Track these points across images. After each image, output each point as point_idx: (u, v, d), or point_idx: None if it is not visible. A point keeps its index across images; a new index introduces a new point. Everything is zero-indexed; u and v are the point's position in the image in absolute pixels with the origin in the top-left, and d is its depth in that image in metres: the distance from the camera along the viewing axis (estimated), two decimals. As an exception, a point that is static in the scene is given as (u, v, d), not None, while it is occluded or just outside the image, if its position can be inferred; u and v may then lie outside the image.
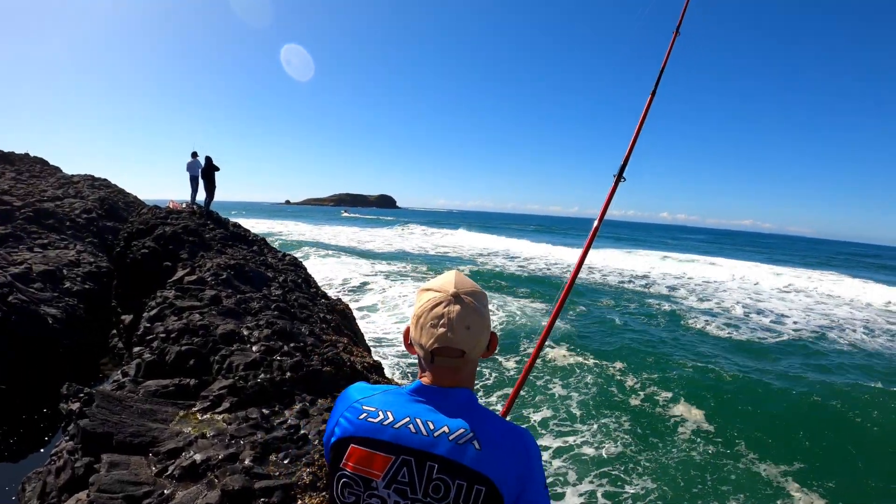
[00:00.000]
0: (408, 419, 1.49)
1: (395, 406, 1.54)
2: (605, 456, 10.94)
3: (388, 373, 11.74)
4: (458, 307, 1.54)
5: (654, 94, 4.16)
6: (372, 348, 14.79)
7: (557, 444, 11.43)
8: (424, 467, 1.43)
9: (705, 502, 9.60)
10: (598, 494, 9.63)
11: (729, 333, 22.18)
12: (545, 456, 11.10)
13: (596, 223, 3.56)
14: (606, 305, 27.25)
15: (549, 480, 10.40)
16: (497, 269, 39.63)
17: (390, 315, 21.72)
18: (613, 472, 10.37)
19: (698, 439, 11.79)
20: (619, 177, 3.76)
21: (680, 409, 13.36)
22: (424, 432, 1.46)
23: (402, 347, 16.72)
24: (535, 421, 12.53)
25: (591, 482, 10.02)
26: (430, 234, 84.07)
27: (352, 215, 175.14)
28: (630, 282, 36.83)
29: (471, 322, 1.54)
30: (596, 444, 11.42)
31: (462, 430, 1.46)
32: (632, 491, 9.80)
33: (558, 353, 17.16)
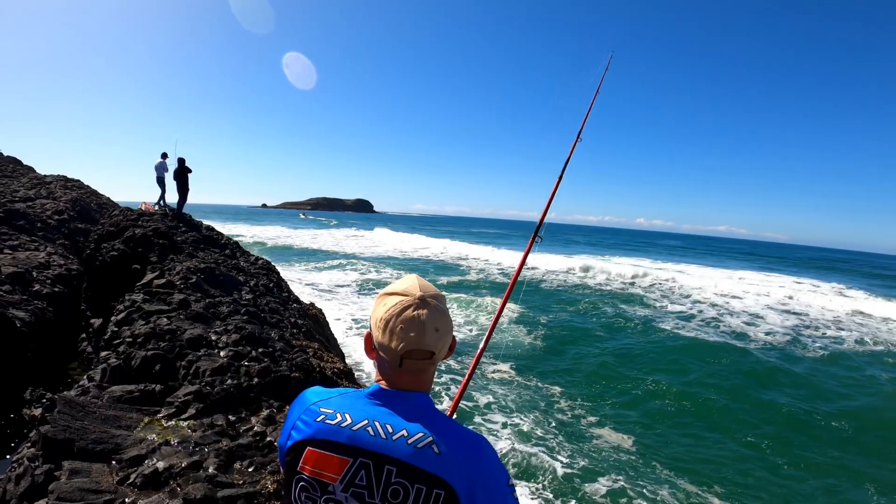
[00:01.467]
0: (366, 421, 1.50)
1: (354, 408, 1.55)
2: (537, 437, 12.38)
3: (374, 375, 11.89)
4: (426, 311, 1.56)
5: (559, 180, 4.49)
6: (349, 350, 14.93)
7: (503, 419, 13.18)
8: (383, 471, 1.44)
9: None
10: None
11: (680, 343, 22.61)
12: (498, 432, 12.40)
13: (515, 273, 3.68)
14: (564, 312, 28.04)
15: (503, 444, 11.67)
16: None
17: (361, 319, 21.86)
18: (550, 444, 11.97)
19: (620, 450, 12.31)
20: (535, 235, 3.90)
21: (611, 417, 14.18)
22: (383, 435, 1.47)
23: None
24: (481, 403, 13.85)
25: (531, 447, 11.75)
26: (354, 235, 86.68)
27: (310, 218, 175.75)
28: (595, 289, 37.03)
29: (439, 324, 1.56)
30: (533, 427, 12.86)
31: (421, 434, 1.46)
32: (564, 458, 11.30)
33: (503, 367, 17.67)
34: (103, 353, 7.79)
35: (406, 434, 1.47)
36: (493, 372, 16.80)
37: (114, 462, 5.02)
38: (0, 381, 10.48)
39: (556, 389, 15.98)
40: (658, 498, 10.29)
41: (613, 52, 5.65)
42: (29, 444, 5.50)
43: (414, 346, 1.53)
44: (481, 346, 3.01)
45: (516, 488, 1.53)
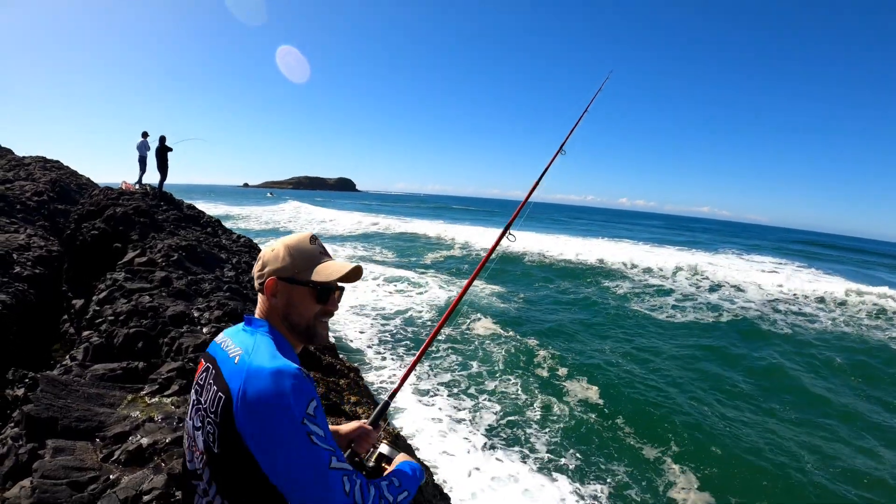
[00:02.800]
0: (227, 339, 1.84)
1: (231, 331, 1.90)
2: (512, 403, 13.03)
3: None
4: (267, 246, 1.97)
5: (534, 187, 4.29)
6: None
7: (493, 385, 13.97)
8: (210, 374, 1.73)
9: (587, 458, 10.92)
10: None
11: (640, 322, 22.86)
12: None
13: (479, 265, 3.52)
14: (543, 287, 28.64)
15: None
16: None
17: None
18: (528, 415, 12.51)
19: (589, 411, 13.01)
20: (505, 232, 3.74)
21: (575, 383, 14.59)
22: (225, 348, 1.78)
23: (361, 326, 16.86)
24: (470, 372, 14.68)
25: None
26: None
27: (276, 196, 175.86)
28: (573, 267, 36.80)
29: (262, 257, 1.92)
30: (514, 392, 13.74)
31: (237, 347, 1.73)
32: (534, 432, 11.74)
33: (485, 325, 18.96)
34: (85, 333, 7.75)
35: (231, 346, 1.76)
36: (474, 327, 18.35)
37: (98, 439, 5.00)
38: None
39: (534, 341, 17.41)
40: (621, 447, 11.35)
41: (613, 70, 5.41)
42: (12, 424, 5.47)
43: None
44: (439, 323, 3.01)
45: (312, 434, 1.61)
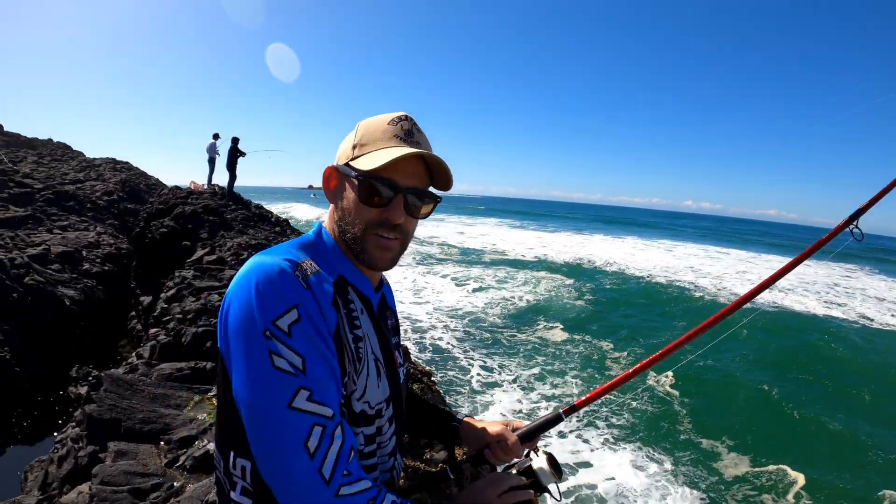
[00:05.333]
0: None
1: None
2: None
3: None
4: None
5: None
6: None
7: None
8: None
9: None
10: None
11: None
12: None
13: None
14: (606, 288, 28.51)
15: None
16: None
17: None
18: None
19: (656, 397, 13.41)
20: (849, 223, 2.32)
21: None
22: None
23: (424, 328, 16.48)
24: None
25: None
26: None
27: (319, 198, 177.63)
28: (625, 270, 36.40)
29: None
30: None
31: None
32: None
33: (556, 331, 18.97)
34: (153, 331, 7.62)
35: None
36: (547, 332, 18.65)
37: (162, 443, 4.68)
38: (48, 358, 10.35)
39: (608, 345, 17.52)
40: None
41: None
42: (73, 424, 5.24)
43: None
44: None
45: (281, 345, 1.14)
